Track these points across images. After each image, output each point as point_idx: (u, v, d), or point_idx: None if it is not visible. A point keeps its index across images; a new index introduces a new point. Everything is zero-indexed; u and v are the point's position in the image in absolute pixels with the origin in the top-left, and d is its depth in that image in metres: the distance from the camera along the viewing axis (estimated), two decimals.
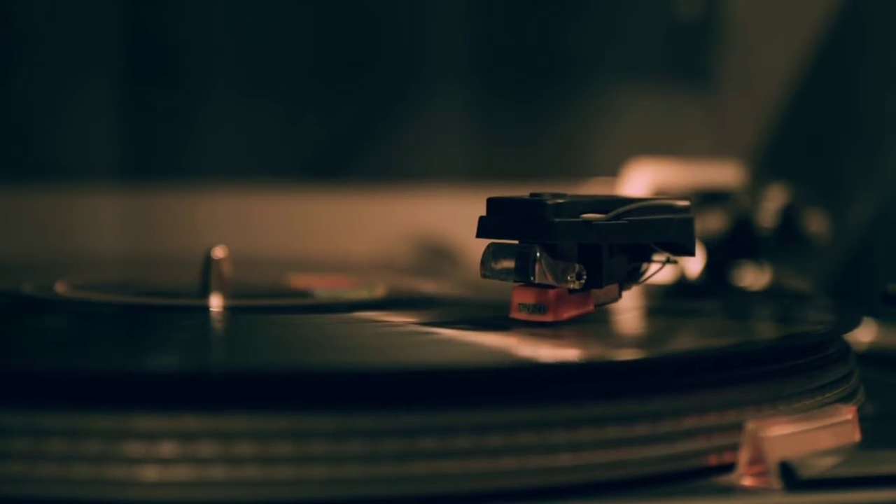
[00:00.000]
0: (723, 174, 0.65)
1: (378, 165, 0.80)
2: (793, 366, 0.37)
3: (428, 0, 0.79)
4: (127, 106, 0.75)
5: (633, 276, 0.41)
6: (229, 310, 0.45)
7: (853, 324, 0.43)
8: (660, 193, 0.63)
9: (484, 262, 0.39)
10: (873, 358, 0.51)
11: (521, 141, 0.81)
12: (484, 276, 0.39)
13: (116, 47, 0.75)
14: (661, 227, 0.40)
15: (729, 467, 0.34)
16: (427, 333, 0.39)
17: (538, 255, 0.38)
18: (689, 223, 0.41)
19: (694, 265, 0.59)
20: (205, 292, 0.46)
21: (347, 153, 0.80)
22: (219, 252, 0.46)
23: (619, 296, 0.41)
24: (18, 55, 0.75)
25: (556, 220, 0.38)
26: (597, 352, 0.37)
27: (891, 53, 0.71)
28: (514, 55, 0.81)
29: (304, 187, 0.78)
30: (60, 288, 0.49)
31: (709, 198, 0.62)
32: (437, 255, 0.74)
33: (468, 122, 0.80)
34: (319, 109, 0.78)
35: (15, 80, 0.75)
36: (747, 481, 0.33)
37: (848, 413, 0.36)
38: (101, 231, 0.75)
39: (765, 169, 0.70)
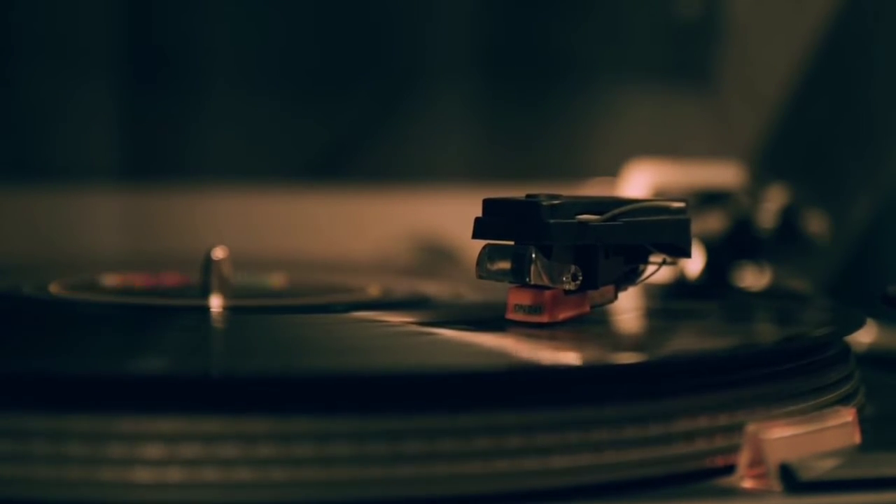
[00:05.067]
0: (723, 174, 0.65)
1: (378, 165, 0.80)
2: (793, 368, 0.37)
3: (429, 0, 0.79)
4: (127, 106, 0.75)
5: (629, 277, 0.41)
6: (229, 310, 0.45)
7: (854, 326, 0.42)
8: (659, 194, 0.63)
9: (480, 263, 0.39)
10: (873, 359, 0.51)
11: (521, 141, 0.81)
12: (480, 276, 0.39)
13: (116, 47, 0.75)
14: (657, 228, 0.40)
15: (729, 469, 0.34)
16: (423, 334, 0.39)
17: (534, 256, 0.38)
18: (684, 225, 0.41)
19: (694, 266, 0.59)
20: (205, 293, 0.46)
21: (348, 153, 0.79)
22: (219, 252, 0.46)
23: (616, 297, 0.41)
24: (18, 55, 0.75)
25: (552, 221, 0.38)
26: (595, 354, 0.37)
27: (890, 53, 0.71)
28: (514, 55, 0.81)
29: (304, 187, 0.78)
30: (59, 288, 0.49)
31: (709, 198, 0.62)
32: (437, 255, 0.73)
33: (468, 122, 0.80)
34: (320, 109, 0.78)
35: (15, 81, 0.75)
36: (747, 483, 0.33)
37: (848, 415, 0.36)
38: (101, 231, 0.75)
39: (765, 169, 0.70)
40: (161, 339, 0.39)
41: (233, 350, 0.38)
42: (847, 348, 0.42)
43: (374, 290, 0.50)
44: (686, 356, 0.37)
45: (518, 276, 0.39)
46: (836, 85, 0.74)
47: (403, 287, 0.52)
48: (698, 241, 0.59)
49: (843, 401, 0.38)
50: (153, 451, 0.30)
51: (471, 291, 0.51)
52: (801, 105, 0.74)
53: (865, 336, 0.53)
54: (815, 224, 0.61)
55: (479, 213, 0.40)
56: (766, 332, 0.46)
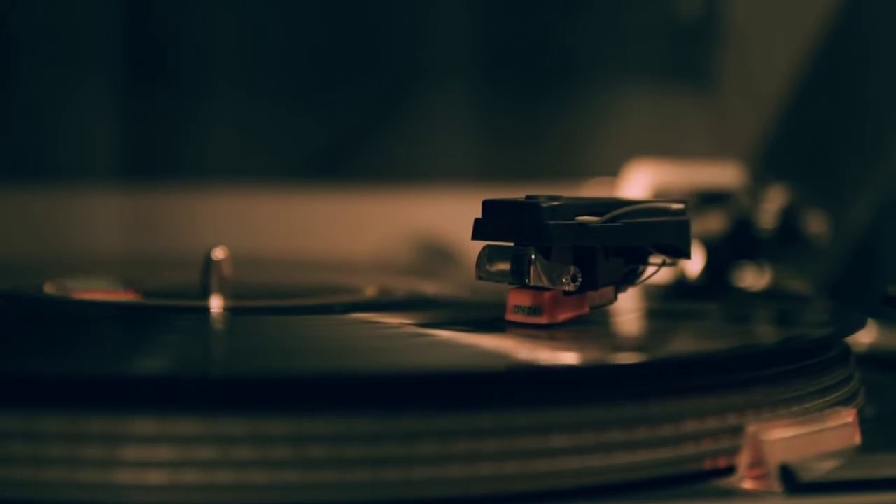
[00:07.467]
0: (723, 174, 0.65)
1: (378, 165, 0.80)
2: (793, 368, 0.37)
3: (429, 0, 0.79)
4: (127, 106, 0.75)
5: (629, 278, 0.41)
6: (229, 311, 0.45)
7: (854, 326, 0.42)
8: (659, 194, 0.63)
9: (479, 264, 0.39)
10: (873, 360, 0.51)
11: (521, 141, 0.81)
12: (479, 278, 0.39)
13: (116, 47, 0.75)
14: (657, 229, 0.40)
15: (729, 470, 0.34)
16: (422, 336, 0.39)
17: (533, 257, 0.38)
18: (684, 226, 0.41)
19: (694, 266, 0.59)
20: (205, 293, 0.46)
21: (348, 153, 0.79)
22: (219, 253, 0.46)
23: (615, 298, 0.41)
24: (18, 55, 0.75)
25: (551, 222, 0.38)
26: (594, 355, 0.37)
27: (890, 54, 0.71)
28: (514, 56, 0.81)
29: (304, 187, 0.78)
30: (59, 288, 0.49)
31: (709, 198, 0.62)
32: (437, 255, 0.73)
33: (468, 123, 0.80)
34: (320, 109, 0.78)
35: (15, 80, 0.75)
36: (748, 484, 0.33)
37: (848, 416, 0.36)
38: (100, 231, 0.75)
39: (765, 169, 0.70)
40: (158, 341, 0.39)
41: (229, 351, 0.38)
42: (847, 349, 0.42)
43: (373, 291, 0.50)
44: (686, 357, 0.37)
45: (517, 277, 0.39)
46: (836, 85, 0.74)
47: (403, 287, 0.52)
48: (698, 242, 0.59)
49: (844, 402, 0.38)
50: (132, 452, 0.30)
51: (470, 292, 0.51)
52: (800, 105, 0.74)
53: (865, 336, 0.53)
54: (815, 224, 0.61)
55: (479, 214, 0.39)
56: (766, 332, 0.46)
